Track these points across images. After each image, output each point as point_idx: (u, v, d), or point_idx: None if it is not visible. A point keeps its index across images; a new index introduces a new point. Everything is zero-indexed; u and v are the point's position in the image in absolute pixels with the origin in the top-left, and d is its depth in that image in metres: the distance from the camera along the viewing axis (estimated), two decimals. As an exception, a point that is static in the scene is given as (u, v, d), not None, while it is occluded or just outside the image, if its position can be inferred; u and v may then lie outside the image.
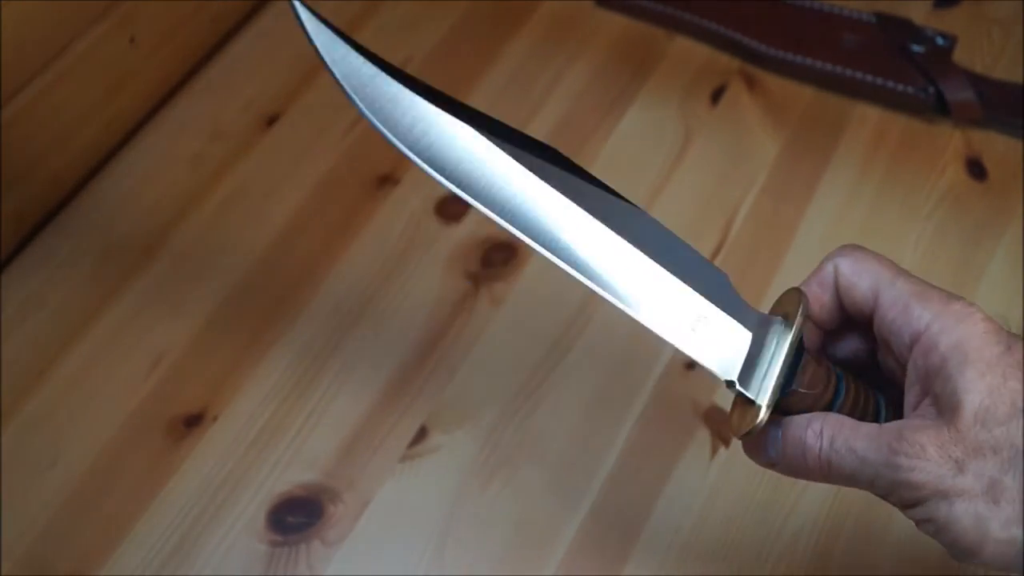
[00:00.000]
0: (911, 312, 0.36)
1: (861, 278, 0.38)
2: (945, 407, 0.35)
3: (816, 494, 0.54)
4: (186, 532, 0.53)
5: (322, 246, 0.63)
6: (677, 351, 0.37)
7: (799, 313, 0.38)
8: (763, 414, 0.36)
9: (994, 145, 0.67)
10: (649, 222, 0.38)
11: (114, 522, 0.53)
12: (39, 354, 0.59)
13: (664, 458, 0.55)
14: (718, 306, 0.38)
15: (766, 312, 0.39)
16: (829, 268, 0.39)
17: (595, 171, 0.69)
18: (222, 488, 0.54)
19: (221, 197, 0.65)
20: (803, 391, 0.37)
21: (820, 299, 0.39)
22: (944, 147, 0.68)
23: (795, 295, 0.39)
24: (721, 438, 0.56)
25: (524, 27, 0.73)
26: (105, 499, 0.54)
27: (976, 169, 0.66)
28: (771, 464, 0.39)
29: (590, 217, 0.37)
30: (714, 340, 0.37)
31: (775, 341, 0.37)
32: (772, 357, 0.37)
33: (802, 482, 0.54)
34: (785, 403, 0.37)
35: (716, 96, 0.70)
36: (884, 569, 0.52)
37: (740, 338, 0.38)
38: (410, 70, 0.70)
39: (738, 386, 0.37)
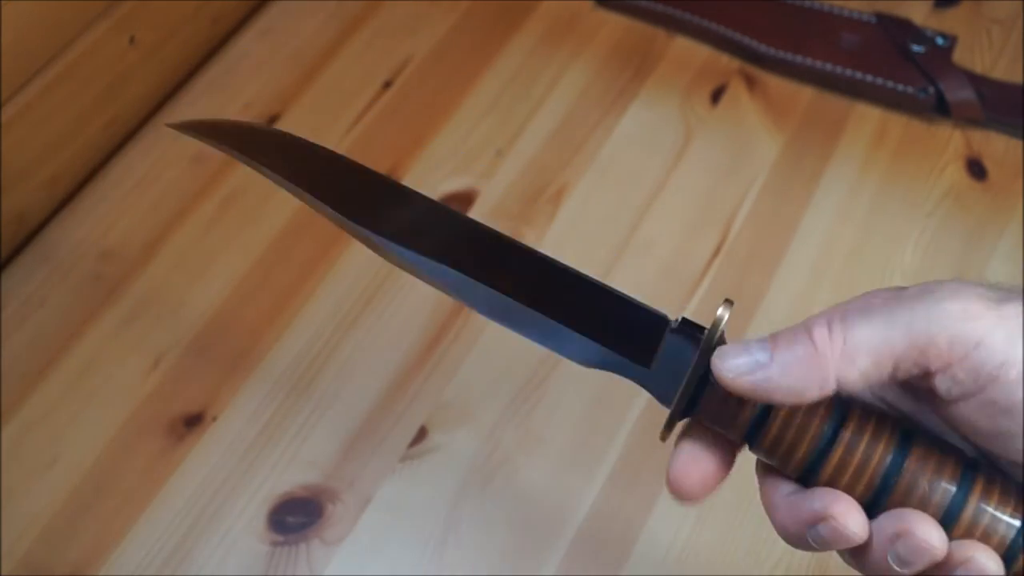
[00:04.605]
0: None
1: None
2: None
3: (816, 494, 0.54)
4: (186, 532, 0.53)
5: (322, 246, 0.63)
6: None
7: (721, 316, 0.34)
8: (675, 403, 0.33)
9: (994, 145, 0.67)
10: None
11: (114, 522, 0.53)
12: (39, 354, 0.59)
13: (664, 458, 0.55)
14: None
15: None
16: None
17: (596, 170, 0.69)
18: (222, 488, 0.54)
19: (221, 197, 0.65)
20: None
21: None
22: (944, 147, 0.68)
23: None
24: (721, 438, 0.56)
25: (524, 27, 0.73)
26: (105, 499, 0.54)
27: (976, 169, 0.66)
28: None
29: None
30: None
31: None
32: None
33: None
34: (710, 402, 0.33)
35: (716, 96, 0.70)
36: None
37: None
38: (410, 70, 0.71)
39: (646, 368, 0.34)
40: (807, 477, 0.32)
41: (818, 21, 0.72)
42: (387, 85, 0.71)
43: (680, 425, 0.35)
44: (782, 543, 0.53)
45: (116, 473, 0.55)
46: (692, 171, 0.66)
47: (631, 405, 0.57)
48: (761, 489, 0.34)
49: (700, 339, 0.34)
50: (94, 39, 0.61)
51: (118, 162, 0.67)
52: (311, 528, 0.53)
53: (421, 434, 0.56)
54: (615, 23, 0.74)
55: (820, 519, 0.31)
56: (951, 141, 0.68)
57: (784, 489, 0.33)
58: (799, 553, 0.52)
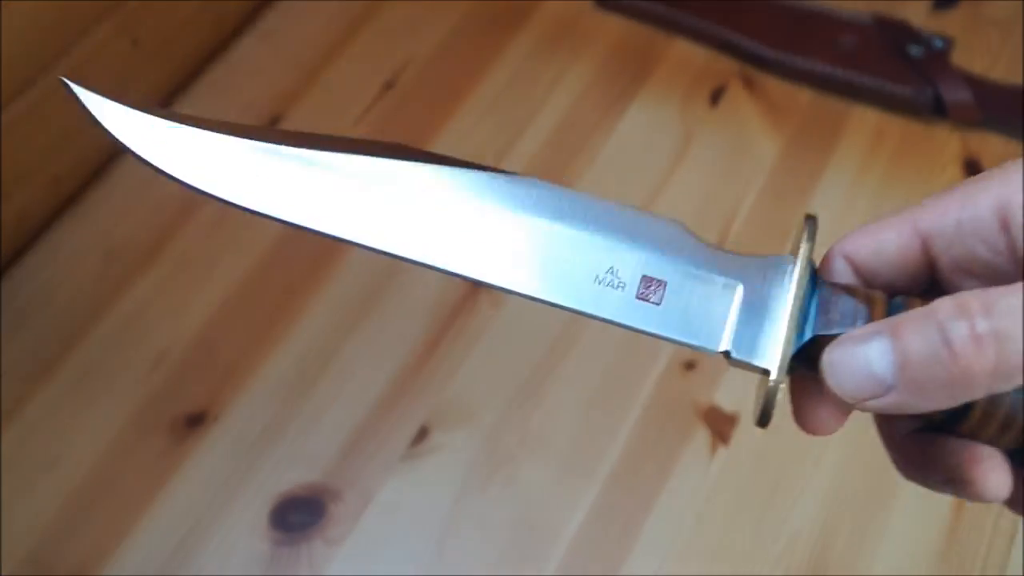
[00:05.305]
0: None
1: None
2: None
3: (815, 495, 0.54)
4: (188, 532, 0.53)
5: (323, 247, 0.63)
6: (677, 350, 0.37)
7: (804, 239, 0.29)
8: (775, 376, 0.27)
9: (992, 146, 0.68)
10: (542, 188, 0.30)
11: (116, 522, 0.53)
12: (42, 354, 0.59)
13: (664, 458, 0.56)
14: (676, 262, 0.28)
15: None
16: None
17: (595, 171, 0.70)
18: (224, 488, 0.54)
19: (222, 198, 0.65)
20: (833, 333, 0.27)
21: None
22: (942, 148, 0.68)
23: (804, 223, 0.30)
24: (721, 437, 0.56)
25: (524, 27, 0.74)
26: (107, 499, 0.54)
27: (974, 170, 0.67)
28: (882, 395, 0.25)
29: (464, 193, 0.29)
30: (683, 305, 0.28)
31: (786, 284, 0.28)
32: (781, 305, 0.28)
33: (801, 483, 0.55)
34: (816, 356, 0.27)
35: (715, 97, 0.70)
36: (881, 570, 0.52)
37: (720, 293, 0.28)
38: (410, 71, 0.72)
39: (735, 355, 0.28)
40: (944, 425, 0.27)
41: (816, 23, 0.72)
42: (388, 86, 0.71)
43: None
44: (781, 542, 0.53)
45: (118, 473, 0.55)
46: (691, 172, 0.67)
47: (630, 405, 0.57)
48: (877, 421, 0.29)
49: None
50: (96, 41, 0.61)
51: (121, 163, 0.67)
52: (313, 527, 0.53)
53: (422, 434, 0.56)
54: (615, 25, 0.74)
55: (953, 480, 0.26)
56: (949, 143, 0.68)
57: (906, 426, 0.28)
58: (799, 552, 0.53)
